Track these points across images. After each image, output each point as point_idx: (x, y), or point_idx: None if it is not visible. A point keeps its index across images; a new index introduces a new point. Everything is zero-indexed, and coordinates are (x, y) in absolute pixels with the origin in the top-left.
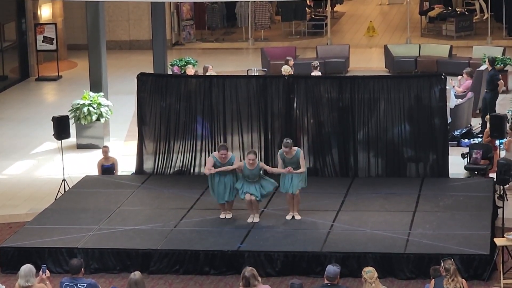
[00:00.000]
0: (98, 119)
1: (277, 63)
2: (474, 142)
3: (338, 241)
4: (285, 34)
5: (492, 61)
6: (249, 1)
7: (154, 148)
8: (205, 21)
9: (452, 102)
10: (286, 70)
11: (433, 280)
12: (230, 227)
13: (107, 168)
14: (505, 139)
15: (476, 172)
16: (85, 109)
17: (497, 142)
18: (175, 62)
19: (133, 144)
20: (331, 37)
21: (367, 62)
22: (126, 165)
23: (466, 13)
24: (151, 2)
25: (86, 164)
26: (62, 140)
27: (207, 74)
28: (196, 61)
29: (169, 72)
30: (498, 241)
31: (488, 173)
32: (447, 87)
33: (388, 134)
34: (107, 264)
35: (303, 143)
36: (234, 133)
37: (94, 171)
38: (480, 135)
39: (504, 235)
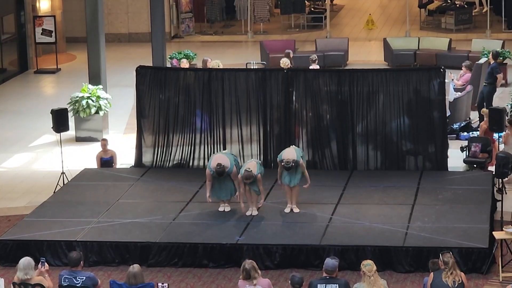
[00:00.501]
0: (97, 112)
1: (276, 56)
2: (473, 135)
3: (337, 234)
4: (284, 27)
5: (496, 54)
6: None
7: (153, 141)
8: (204, 14)
9: (451, 95)
10: (285, 63)
11: (431, 273)
12: (229, 220)
13: (106, 161)
14: (503, 133)
15: (475, 166)
16: (84, 102)
17: (496, 135)
18: (174, 55)
19: (132, 137)
20: (330, 30)
21: (366, 55)
22: (125, 158)
23: (465, 6)
24: None
25: (85, 157)
26: (61, 133)
27: (209, 66)
28: (195, 54)
29: (168, 65)
30: (497, 235)
31: (487, 167)
32: (446, 80)
33: (387, 127)
34: (106, 257)
35: (302, 136)
36: (233, 126)
37: (93, 164)
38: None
39: (503, 229)
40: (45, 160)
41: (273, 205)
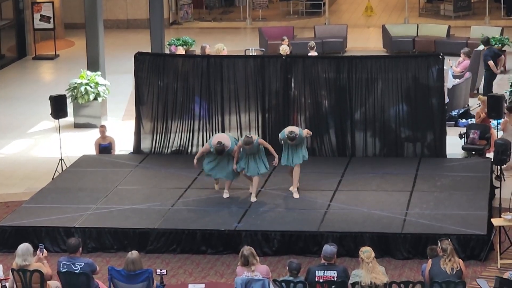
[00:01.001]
0: (95, 98)
1: (274, 43)
2: (472, 122)
3: (335, 221)
4: (283, 13)
5: (484, 41)
6: None
7: (151, 128)
8: (203, 0)
9: (449, 82)
10: (285, 50)
11: (430, 260)
12: (227, 207)
13: (105, 148)
14: (501, 119)
15: (473, 152)
16: (82, 88)
17: (495, 122)
18: (172, 41)
19: (131, 124)
20: (329, 17)
21: (365, 42)
22: (124, 145)
23: None
24: None
25: (83, 143)
26: (59, 119)
27: (210, 50)
28: (194, 41)
29: (167, 51)
30: (495, 222)
31: (485, 153)
32: (444, 67)
33: (385, 114)
34: (104, 243)
35: (301, 123)
36: (232, 113)
37: (92, 151)
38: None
39: (501, 216)
40: (44, 146)
41: (272, 192)
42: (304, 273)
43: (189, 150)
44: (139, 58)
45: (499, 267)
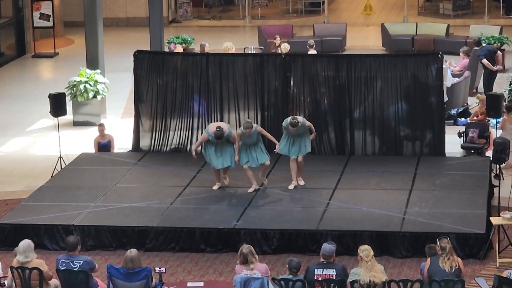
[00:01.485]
0: (94, 96)
1: (274, 41)
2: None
3: (334, 219)
4: (282, 12)
5: (475, 42)
6: None
7: (150, 126)
8: None
9: (448, 81)
10: (286, 48)
11: (429, 258)
12: (226, 205)
13: (104, 146)
14: (500, 118)
15: (472, 151)
16: (81, 86)
17: (493, 121)
18: (172, 39)
19: (130, 122)
20: (328, 16)
21: (364, 40)
22: (123, 143)
23: None
24: None
25: (82, 142)
26: (59, 117)
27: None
28: (193, 39)
29: (166, 49)
30: (494, 220)
31: (484, 152)
32: (443, 66)
33: (384, 112)
34: (103, 241)
35: None
36: (231, 111)
37: (91, 149)
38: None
39: (500, 214)
40: (43, 144)
41: (271, 190)
42: (303, 272)
43: (188, 148)
44: (138, 56)
45: (497, 265)
